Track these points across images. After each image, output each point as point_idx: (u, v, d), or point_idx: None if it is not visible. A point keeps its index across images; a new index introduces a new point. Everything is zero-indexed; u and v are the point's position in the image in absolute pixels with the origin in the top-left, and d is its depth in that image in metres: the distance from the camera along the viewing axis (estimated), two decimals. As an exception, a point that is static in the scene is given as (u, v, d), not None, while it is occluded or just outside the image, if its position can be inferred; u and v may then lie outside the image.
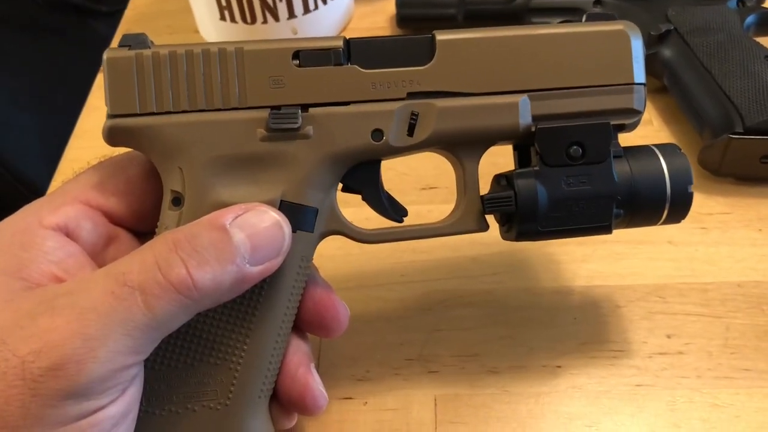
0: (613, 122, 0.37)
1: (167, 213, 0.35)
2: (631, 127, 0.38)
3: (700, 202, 0.53)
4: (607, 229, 0.37)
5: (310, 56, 0.35)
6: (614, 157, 0.37)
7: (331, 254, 0.48)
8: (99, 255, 0.35)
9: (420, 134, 0.36)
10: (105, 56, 0.35)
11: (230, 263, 0.31)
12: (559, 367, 0.45)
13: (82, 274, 0.33)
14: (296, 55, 0.35)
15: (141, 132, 0.35)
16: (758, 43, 0.57)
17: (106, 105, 0.35)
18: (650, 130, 0.60)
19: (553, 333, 0.46)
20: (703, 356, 0.45)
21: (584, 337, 0.46)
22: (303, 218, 0.36)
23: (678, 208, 0.38)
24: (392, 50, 0.36)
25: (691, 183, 0.37)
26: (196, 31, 0.72)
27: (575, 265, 0.50)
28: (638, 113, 0.37)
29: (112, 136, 0.35)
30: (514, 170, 0.38)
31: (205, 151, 0.35)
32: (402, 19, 0.68)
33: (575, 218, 0.37)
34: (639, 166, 0.37)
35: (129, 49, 0.35)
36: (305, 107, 0.35)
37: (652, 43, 0.60)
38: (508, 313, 0.48)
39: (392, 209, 0.39)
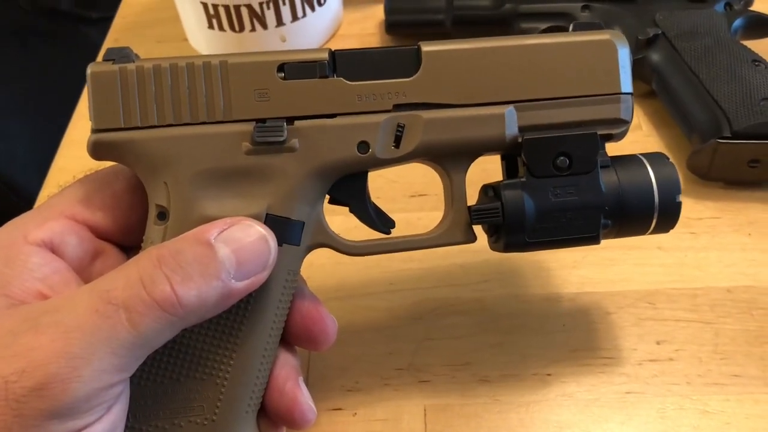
0: (600, 132, 0.37)
1: (152, 228, 0.35)
2: (619, 137, 0.38)
3: (689, 206, 0.53)
4: (595, 240, 0.37)
5: (295, 69, 0.35)
6: (602, 167, 0.37)
7: (321, 263, 0.48)
8: (85, 270, 0.35)
9: (406, 146, 0.36)
10: (89, 71, 0.35)
11: (215, 279, 0.31)
12: (549, 375, 0.44)
13: (67, 291, 0.32)
14: (281, 67, 0.35)
15: (125, 146, 0.35)
16: (745, 46, 0.57)
17: (90, 119, 0.35)
18: (639, 134, 0.60)
19: (544, 340, 0.46)
20: (693, 362, 0.45)
21: (575, 345, 0.46)
22: (289, 232, 0.35)
23: (666, 218, 0.38)
24: (378, 62, 0.36)
25: (679, 193, 0.37)
26: (185, 40, 0.72)
27: (565, 272, 0.50)
28: (626, 123, 0.37)
29: (97, 151, 0.35)
30: (501, 181, 0.38)
31: (191, 166, 0.35)
32: (390, 25, 0.68)
33: (563, 229, 0.37)
34: (627, 176, 0.37)
35: (113, 63, 0.35)
36: (290, 120, 0.35)
37: (640, 47, 0.60)
38: (499, 321, 0.48)
39: (380, 221, 0.39)
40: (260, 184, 0.35)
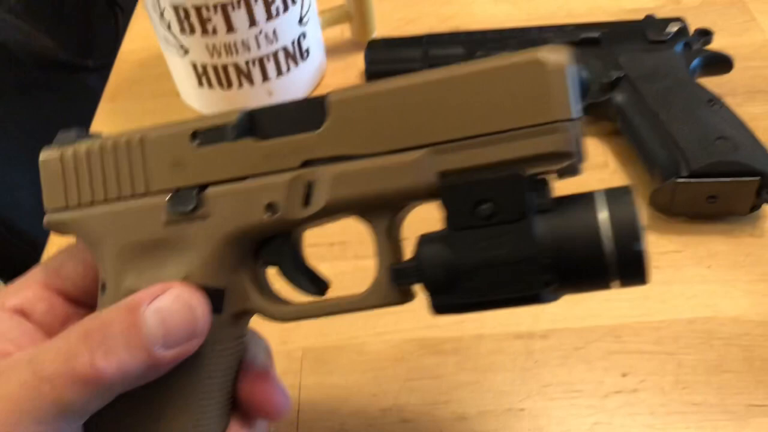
0: (538, 170, 0.32)
1: (99, 299, 0.37)
2: (571, 172, 0.33)
3: (653, 242, 0.57)
4: (536, 299, 0.32)
5: (206, 135, 0.35)
6: (540, 211, 0.32)
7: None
8: (56, 332, 0.37)
9: (316, 204, 0.34)
10: (40, 157, 0.38)
11: (140, 350, 0.31)
12: (522, 410, 0.48)
13: (17, 355, 0.34)
14: (194, 135, 0.35)
15: (69, 225, 0.37)
16: (703, 87, 0.61)
17: (43, 201, 0.38)
18: (606, 172, 0.63)
19: (517, 377, 0.50)
20: (656, 393, 0.48)
21: (546, 380, 0.49)
22: (209, 300, 0.35)
23: (627, 269, 0.31)
24: (288, 117, 0.35)
25: (637, 240, 0.30)
26: (178, 95, 0.76)
27: (537, 310, 0.53)
28: (568, 156, 0.31)
29: (52, 228, 0.38)
30: (421, 235, 0.34)
31: (118, 240, 0.36)
32: (371, 74, 0.72)
33: (497, 288, 0.32)
34: (567, 221, 0.31)
35: (59, 147, 0.38)
36: (204, 187, 0.35)
37: (604, 89, 0.64)
38: (476, 359, 0.51)
39: (311, 283, 0.37)
40: (179, 253, 0.35)
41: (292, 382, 0.51)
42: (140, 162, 0.36)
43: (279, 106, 0.35)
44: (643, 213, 0.58)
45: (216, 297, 0.35)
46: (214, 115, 0.35)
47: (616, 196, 0.32)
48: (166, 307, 0.32)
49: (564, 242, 0.31)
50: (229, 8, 0.62)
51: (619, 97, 0.63)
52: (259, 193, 0.34)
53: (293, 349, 0.53)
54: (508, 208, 0.31)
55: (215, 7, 0.62)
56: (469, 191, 0.32)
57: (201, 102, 0.72)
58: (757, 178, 0.53)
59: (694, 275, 0.54)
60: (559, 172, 0.33)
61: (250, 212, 0.34)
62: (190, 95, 0.73)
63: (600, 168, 0.63)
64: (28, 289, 0.38)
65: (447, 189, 0.32)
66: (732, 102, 0.64)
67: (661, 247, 0.56)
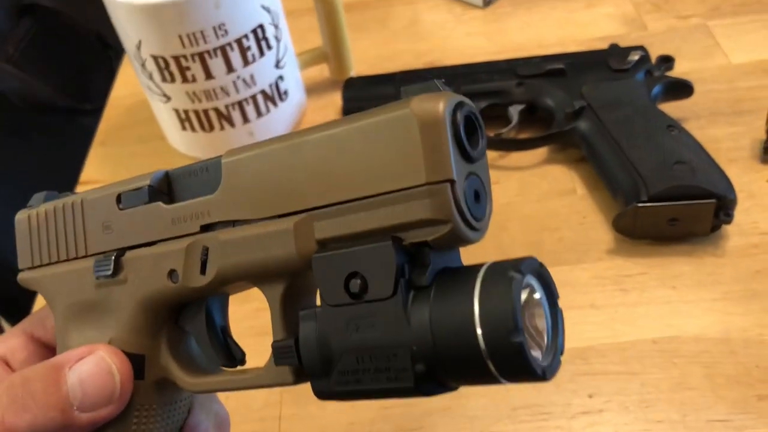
0: (411, 240, 0.28)
1: None
2: (459, 240, 0.28)
3: (619, 264, 0.59)
4: (412, 392, 0.28)
5: (127, 197, 0.35)
6: (417, 288, 0.28)
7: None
8: None
9: (210, 273, 0.32)
10: (15, 218, 0.40)
11: (54, 410, 0.32)
12: (492, 433, 0.50)
13: None
14: (119, 198, 0.35)
15: (33, 283, 0.39)
16: (662, 112, 0.63)
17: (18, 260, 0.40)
18: (574, 198, 0.65)
19: (488, 402, 0.51)
20: (621, 412, 0.50)
21: (516, 403, 0.51)
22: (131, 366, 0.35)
23: (508, 364, 0.26)
24: (194, 178, 0.34)
25: (514, 330, 0.25)
26: (165, 138, 0.79)
27: (507, 335, 0.55)
28: (442, 223, 0.27)
29: (25, 285, 0.40)
30: (301, 309, 0.30)
31: (62, 300, 0.38)
32: (347, 112, 0.75)
33: (371, 375, 0.28)
34: (444, 305, 0.27)
35: (29, 209, 0.40)
36: (123, 251, 0.35)
37: (569, 118, 0.66)
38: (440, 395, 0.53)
39: (224, 354, 0.36)
40: (106, 316, 0.36)
41: (272, 413, 0.53)
42: (81, 224, 0.37)
43: (190, 167, 0.34)
44: (609, 237, 0.61)
45: (137, 363, 0.35)
46: (139, 176, 0.35)
47: (497, 273, 0.26)
48: (87, 370, 0.33)
49: (439, 330, 0.27)
50: (207, 56, 0.65)
51: (583, 126, 0.65)
52: (163, 258, 0.34)
53: (274, 382, 0.55)
54: (377, 284, 0.28)
55: (193, 56, 0.65)
56: (339, 263, 0.29)
57: (185, 145, 0.75)
58: (714, 200, 0.55)
59: (659, 296, 0.56)
60: (445, 241, 0.28)
61: (155, 278, 0.34)
62: (175, 139, 0.76)
63: (568, 194, 0.65)
64: (14, 338, 0.40)
65: (319, 261, 0.29)
66: (695, 125, 0.66)
67: (626, 270, 0.58)
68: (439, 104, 0.27)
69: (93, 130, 0.85)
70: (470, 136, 0.28)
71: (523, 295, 0.27)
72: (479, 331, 0.26)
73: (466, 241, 0.28)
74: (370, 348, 0.28)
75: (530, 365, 0.26)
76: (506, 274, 0.26)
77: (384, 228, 0.28)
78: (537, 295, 0.29)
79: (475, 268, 0.27)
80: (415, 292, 0.28)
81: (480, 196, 0.29)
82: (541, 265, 0.28)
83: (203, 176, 0.33)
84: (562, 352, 0.29)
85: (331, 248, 0.29)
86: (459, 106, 0.27)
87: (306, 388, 0.48)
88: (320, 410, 0.53)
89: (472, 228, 0.28)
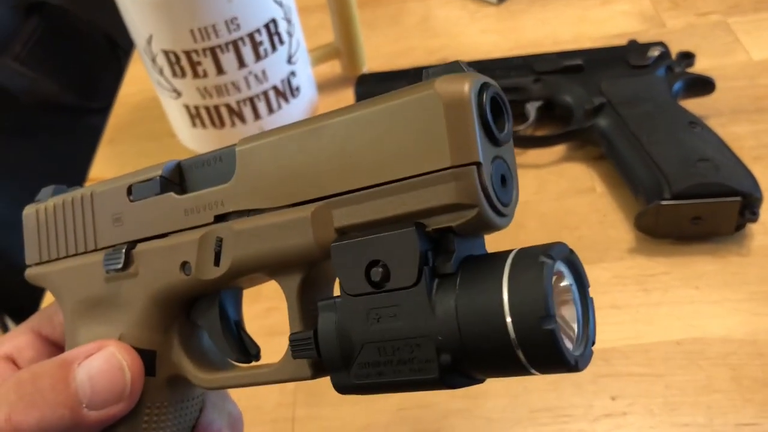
0: (435, 226, 0.27)
1: None
2: (485, 226, 0.27)
3: (641, 264, 0.57)
4: (438, 383, 0.27)
5: (138, 189, 0.34)
6: (441, 276, 0.26)
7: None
8: None
9: (224, 264, 0.31)
10: (23, 213, 0.39)
11: (63, 407, 0.31)
12: (512, 436, 0.48)
13: None
14: (130, 189, 0.34)
15: (42, 279, 0.38)
16: (684, 109, 0.62)
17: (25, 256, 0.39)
18: (594, 196, 0.64)
19: (507, 403, 0.50)
20: (645, 415, 0.48)
21: (535, 405, 0.50)
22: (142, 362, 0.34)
23: (539, 352, 0.25)
24: (207, 168, 0.33)
25: (546, 316, 0.24)
26: (174, 135, 0.78)
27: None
28: (468, 208, 0.26)
29: (32, 282, 0.39)
30: (320, 299, 0.29)
31: (71, 296, 0.36)
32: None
33: (393, 367, 0.27)
34: (471, 293, 0.26)
35: (38, 203, 0.38)
36: (134, 244, 0.34)
37: (588, 115, 0.65)
38: (466, 388, 0.51)
39: (238, 348, 0.35)
40: (116, 311, 0.35)
41: (285, 414, 0.52)
42: (90, 218, 0.36)
43: (203, 157, 0.33)
44: (629, 236, 0.59)
45: (148, 359, 0.34)
46: (149, 167, 0.34)
47: (527, 260, 0.25)
48: (97, 366, 0.32)
49: (465, 318, 0.25)
50: (218, 51, 0.64)
51: (602, 123, 0.64)
52: (176, 250, 0.32)
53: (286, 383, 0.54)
54: (400, 272, 0.27)
55: (204, 51, 0.63)
56: (360, 250, 0.27)
57: (195, 142, 0.74)
58: (739, 198, 0.54)
59: (682, 296, 0.55)
60: (471, 227, 0.26)
61: (168, 271, 0.33)
62: (185, 136, 0.75)
63: (587, 192, 0.64)
64: (21, 336, 0.39)
65: (339, 249, 0.28)
66: (716, 123, 0.65)
67: (648, 269, 0.57)
68: (465, 85, 0.26)
69: (100, 130, 0.84)
70: (496, 118, 0.27)
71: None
72: (509, 319, 0.25)
73: (493, 227, 0.27)
74: (393, 339, 0.27)
75: (563, 354, 0.24)
76: (537, 258, 0.25)
77: (407, 214, 0.27)
78: (566, 282, 0.27)
79: (502, 255, 0.26)
80: (440, 280, 0.26)
81: (506, 180, 0.27)
82: (571, 251, 0.27)
83: (216, 166, 0.32)
84: (593, 343, 0.28)
85: (350, 236, 0.28)
86: (485, 86, 0.26)
87: (320, 389, 0.47)
88: (335, 411, 0.51)
89: (499, 213, 0.27)
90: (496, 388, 0.51)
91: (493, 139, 0.26)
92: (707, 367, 0.50)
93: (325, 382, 0.49)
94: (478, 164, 0.25)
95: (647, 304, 0.55)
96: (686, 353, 0.51)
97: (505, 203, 0.27)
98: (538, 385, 0.51)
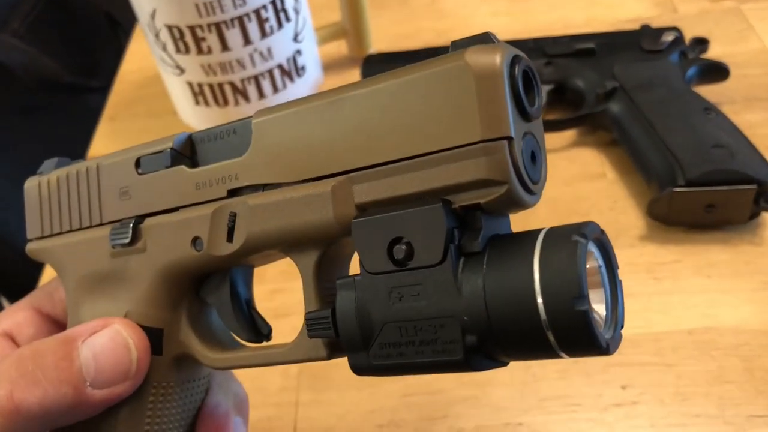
0: (462, 203, 0.26)
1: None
2: (515, 203, 0.26)
3: (652, 251, 0.56)
4: (463, 365, 0.26)
5: (147, 161, 0.33)
6: (467, 254, 0.25)
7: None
8: None
9: (237, 240, 0.30)
10: (24, 186, 0.37)
11: (66, 385, 0.30)
12: (520, 424, 0.47)
13: None
14: (138, 162, 0.33)
15: (43, 254, 0.37)
16: (698, 95, 0.61)
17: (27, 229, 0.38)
18: (604, 182, 0.63)
19: (515, 391, 0.49)
20: (656, 405, 0.47)
21: (544, 393, 0.49)
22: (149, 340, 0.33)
23: (568, 333, 0.24)
24: (220, 141, 0.32)
25: (579, 297, 0.23)
26: (176, 114, 0.76)
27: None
28: (498, 184, 0.25)
29: (33, 256, 0.38)
30: (338, 278, 0.28)
31: (75, 271, 0.35)
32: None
33: (416, 348, 0.26)
34: (499, 272, 0.25)
35: (40, 176, 0.37)
36: (142, 218, 0.33)
37: (600, 100, 0.64)
38: (473, 375, 0.50)
39: (249, 328, 0.34)
40: (124, 288, 0.33)
41: (288, 399, 0.51)
42: (96, 191, 0.34)
43: (215, 129, 0.32)
44: (641, 223, 0.58)
45: (155, 337, 0.33)
46: (159, 139, 0.33)
47: (559, 239, 0.24)
48: (101, 344, 0.31)
49: (493, 299, 0.24)
50: (223, 27, 0.62)
51: (614, 108, 0.63)
52: (187, 225, 0.31)
53: (290, 366, 0.53)
54: (425, 249, 0.25)
55: (209, 26, 0.62)
56: (382, 227, 0.26)
57: (198, 120, 0.72)
58: (754, 186, 0.53)
59: (694, 285, 0.54)
60: (500, 204, 0.25)
61: (178, 246, 0.32)
62: (187, 114, 0.73)
63: (598, 178, 0.63)
64: (20, 312, 0.38)
65: (360, 225, 0.27)
66: (730, 110, 0.63)
67: (660, 257, 0.56)
68: (497, 56, 0.25)
69: (100, 109, 0.83)
70: (527, 93, 0.26)
71: None
72: (540, 299, 0.24)
73: (522, 205, 0.26)
74: (416, 319, 0.26)
75: (595, 336, 0.24)
76: (570, 237, 0.24)
77: (432, 190, 0.26)
78: (594, 264, 0.27)
79: (531, 234, 0.25)
80: (466, 258, 0.25)
81: (536, 157, 0.27)
82: (602, 231, 0.26)
83: (230, 138, 0.31)
84: (622, 326, 0.27)
85: (372, 213, 0.27)
86: (517, 59, 0.25)
87: (324, 373, 0.46)
88: (339, 397, 0.50)
89: (528, 191, 0.26)
90: (504, 376, 0.50)
91: (524, 114, 0.25)
92: (719, 357, 0.49)
93: (330, 366, 0.48)
94: (509, 139, 0.24)
95: (658, 292, 0.54)
96: (698, 343, 0.50)
97: (535, 180, 0.26)
98: (547, 374, 0.50)
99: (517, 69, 0.25)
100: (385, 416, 0.49)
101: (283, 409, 0.50)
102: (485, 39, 0.26)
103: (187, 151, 0.32)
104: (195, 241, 0.31)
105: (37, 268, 0.69)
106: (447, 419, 0.48)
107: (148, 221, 0.33)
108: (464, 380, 0.50)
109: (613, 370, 0.49)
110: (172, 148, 0.32)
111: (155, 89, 0.79)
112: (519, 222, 0.28)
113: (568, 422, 0.47)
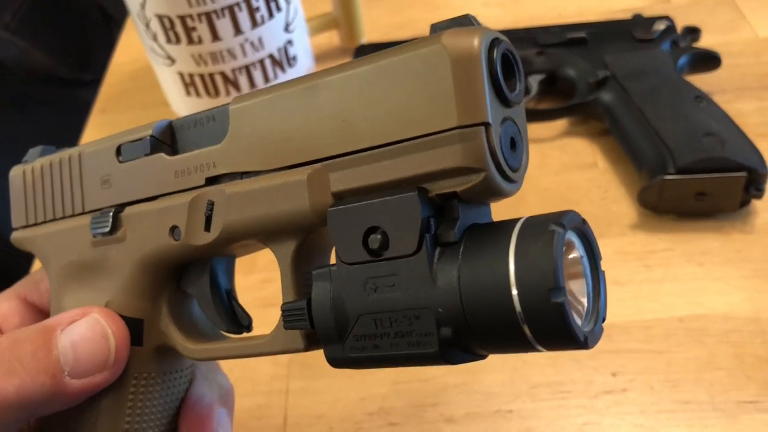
0: (438, 191, 0.25)
1: None
2: (493, 192, 0.25)
3: (643, 240, 0.56)
4: (437, 358, 0.25)
5: (127, 149, 0.32)
6: (443, 244, 0.25)
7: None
8: None
9: (215, 229, 0.30)
10: (9, 174, 0.37)
11: (44, 374, 0.29)
12: (510, 411, 0.47)
13: None
14: (119, 150, 0.33)
15: (28, 243, 0.36)
16: (689, 83, 0.61)
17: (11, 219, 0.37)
18: (596, 172, 0.63)
19: (505, 378, 0.49)
20: (646, 391, 0.47)
21: (534, 380, 0.49)
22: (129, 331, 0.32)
23: (545, 327, 0.23)
24: (200, 128, 0.31)
25: (555, 288, 0.22)
26: (168, 105, 0.76)
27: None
28: (475, 171, 0.24)
29: (18, 246, 0.37)
30: (315, 268, 0.28)
31: (58, 260, 0.35)
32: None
33: (390, 340, 0.25)
34: (474, 263, 0.24)
35: (25, 164, 0.37)
36: (122, 207, 0.33)
37: (591, 89, 0.64)
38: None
39: (229, 319, 0.34)
40: (103, 277, 0.33)
41: (279, 386, 0.51)
42: (78, 179, 0.34)
43: (195, 116, 0.31)
44: (632, 212, 0.58)
45: (135, 327, 0.33)
46: (140, 127, 0.32)
47: (536, 228, 0.23)
48: (80, 333, 0.31)
49: (468, 290, 0.24)
50: (214, 17, 0.62)
51: (606, 97, 0.63)
52: (165, 214, 0.31)
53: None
54: (400, 239, 0.25)
55: (200, 16, 0.62)
56: (357, 216, 0.26)
57: (189, 111, 0.71)
58: (745, 173, 0.53)
59: (685, 273, 0.54)
60: (477, 192, 0.25)
61: (156, 235, 0.31)
62: (178, 105, 0.73)
63: (589, 167, 0.63)
64: (6, 302, 0.38)
65: (335, 214, 0.26)
66: (721, 99, 0.64)
67: (650, 246, 0.56)
68: (474, 39, 0.24)
69: (92, 102, 0.82)
70: (507, 77, 0.25)
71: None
72: (515, 291, 0.23)
73: (500, 194, 0.25)
74: (390, 310, 0.25)
75: (572, 330, 0.23)
76: (546, 227, 0.23)
77: (408, 178, 0.25)
78: (576, 254, 0.26)
79: (509, 223, 0.24)
80: (442, 248, 0.25)
81: (516, 144, 0.26)
82: (583, 221, 0.26)
83: (209, 125, 0.31)
84: (604, 319, 0.26)
85: (348, 201, 0.26)
86: (496, 42, 0.24)
87: (315, 361, 0.46)
88: (329, 384, 0.50)
89: (507, 179, 0.25)
90: (494, 363, 0.50)
91: (503, 99, 0.25)
92: (709, 344, 0.49)
93: (320, 354, 0.48)
94: (486, 125, 0.24)
95: (649, 280, 0.54)
96: (688, 330, 0.50)
97: (514, 168, 0.26)
98: (537, 360, 0.50)
99: (495, 52, 0.24)
100: (376, 404, 0.49)
101: (273, 397, 0.50)
102: (465, 22, 0.25)
103: (167, 139, 0.32)
104: (173, 230, 0.31)
105: (27, 258, 0.69)
106: (437, 406, 0.48)
107: (128, 210, 0.32)
108: (454, 367, 0.50)
109: (604, 357, 0.49)
110: (151, 136, 0.31)
111: (147, 81, 0.78)
112: (509, 212, 0.27)
113: (558, 409, 0.47)
